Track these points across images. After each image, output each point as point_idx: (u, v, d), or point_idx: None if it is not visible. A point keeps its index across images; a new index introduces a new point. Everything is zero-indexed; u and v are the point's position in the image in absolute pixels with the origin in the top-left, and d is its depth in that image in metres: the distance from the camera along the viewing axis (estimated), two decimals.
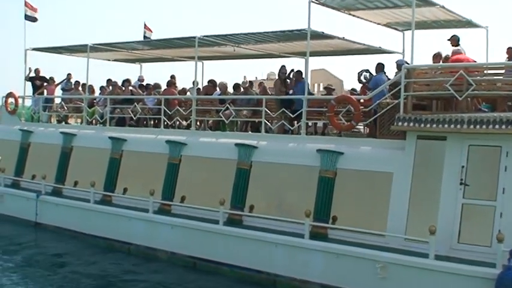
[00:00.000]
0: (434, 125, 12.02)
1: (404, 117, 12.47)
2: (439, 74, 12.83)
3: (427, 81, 12.79)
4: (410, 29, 16.84)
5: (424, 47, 16.03)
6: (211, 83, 19.14)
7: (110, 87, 21.11)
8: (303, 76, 15.86)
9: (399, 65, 15.34)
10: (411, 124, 12.31)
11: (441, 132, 12.09)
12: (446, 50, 14.50)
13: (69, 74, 23.00)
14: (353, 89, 18.34)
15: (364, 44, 17.22)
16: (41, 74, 23.03)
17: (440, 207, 12.07)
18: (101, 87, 21.52)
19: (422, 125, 12.15)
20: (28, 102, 23.48)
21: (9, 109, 22.62)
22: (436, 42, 17.05)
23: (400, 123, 12.50)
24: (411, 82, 12.71)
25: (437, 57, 14.21)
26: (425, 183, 12.48)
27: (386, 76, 14.98)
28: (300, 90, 15.61)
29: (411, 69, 12.85)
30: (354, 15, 15.78)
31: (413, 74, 12.79)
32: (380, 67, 15.12)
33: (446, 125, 11.90)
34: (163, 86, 19.54)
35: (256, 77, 37.14)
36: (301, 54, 19.10)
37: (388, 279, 11.79)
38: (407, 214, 12.38)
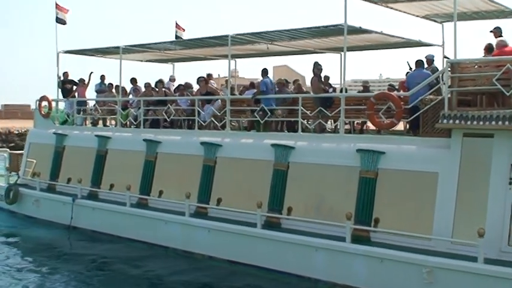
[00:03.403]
0: (481, 122, 11.47)
1: (450, 114, 11.91)
2: (484, 68, 12.21)
3: (472, 76, 12.16)
4: (449, 21, 16.48)
5: (464, 39, 15.47)
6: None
7: (141, 88, 20.89)
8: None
9: (429, 60, 14.93)
10: (457, 121, 11.76)
11: (488, 130, 11.53)
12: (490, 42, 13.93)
13: (102, 76, 22.84)
14: (391, 85, 17.83)
15: (402, 38, 16.68)
16: (70, 77, 22.90)
17: (489, 208, 11.54)
18: (134, 89, 21.33)
19: (468, 122, 11.59)
20: (61, 106, 23.45)
21: (43, 112, 22.59)
22: (476, 33, 16.48)
23: (445, 121, 11.95)
24: (456, 77, 12.13)
25: (488, 49, 13.58)
26: (472, 183, 11.92)
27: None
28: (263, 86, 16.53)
29: (455, 64, 12.25)
30: (391, 8, 15.27)
31: (458, 68, 12.19)
32: (419, 63, 14.59)
33: (493, 122, 11.35)
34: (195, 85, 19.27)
35: (218, 75, 36.16)
36: (337, 50, 18.69)
37: (435, 284, 11.30)
38: (454, 216, 11.87)
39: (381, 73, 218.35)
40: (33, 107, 26.54)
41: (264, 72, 16.84)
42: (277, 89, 17.13)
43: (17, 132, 58.97)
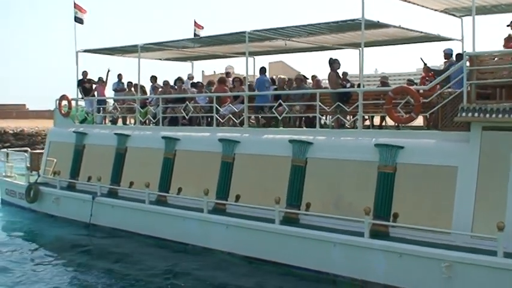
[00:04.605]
0: (501, 115, 11.33)
1: (468, 107, 11.78)
2: (500, 60, 12.06)
3: (491, 68, 12.01)
4: (468, 15, 16.26)
5: (483, 33, 15.30)
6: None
7: (160, 85, 20.97)
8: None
9: (447, 54, 14.75)
10: (476, 115, 11.63)
11: (508, 123, 11.38)
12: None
13: (119, 75, 22.95)
14: (410, 80, 17.69)
15: (421, 32, 16.52)
16: (89, 77, 23.09)
17: (508, 201, 11.38)
18: (153, 87, 21.43)
19: (487, 115, 11.46)
20: (81, 104, 23.62)
21: (63, 111, 22.77)
22: (495, 27, 16.28)
23: (464, 114, 11.81)
24: (474, 70, 11.99)
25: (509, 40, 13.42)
26: (491, 176, 11.78)
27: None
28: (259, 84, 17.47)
29: (473, 57, 12.11)
30: (409, 2, 15.12)
31: (476, 61, 12.04)
32: (458, 57, 14.37)
33: None
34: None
35: (214, 71, 36.35)
36: (354, 45, 18.59)
37: (454, 278, 11.20)
38: (473, 210, 11.74)
39: (376, 68, 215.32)
40: (28, 106, 26.89)
41: (262, 70, 17.42)
42: (295, 84, 17.09)
43: (12, 132, 59.35)
